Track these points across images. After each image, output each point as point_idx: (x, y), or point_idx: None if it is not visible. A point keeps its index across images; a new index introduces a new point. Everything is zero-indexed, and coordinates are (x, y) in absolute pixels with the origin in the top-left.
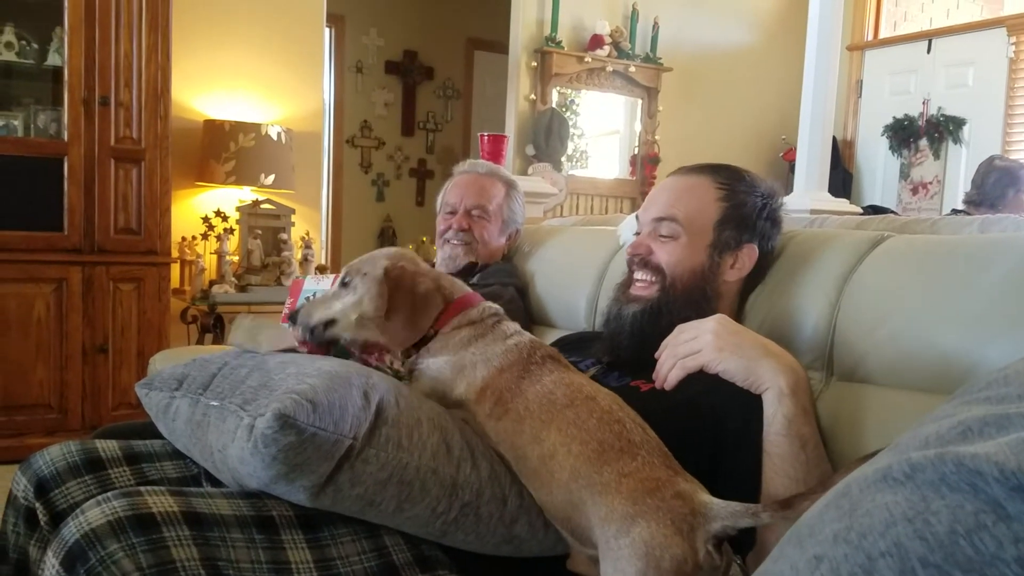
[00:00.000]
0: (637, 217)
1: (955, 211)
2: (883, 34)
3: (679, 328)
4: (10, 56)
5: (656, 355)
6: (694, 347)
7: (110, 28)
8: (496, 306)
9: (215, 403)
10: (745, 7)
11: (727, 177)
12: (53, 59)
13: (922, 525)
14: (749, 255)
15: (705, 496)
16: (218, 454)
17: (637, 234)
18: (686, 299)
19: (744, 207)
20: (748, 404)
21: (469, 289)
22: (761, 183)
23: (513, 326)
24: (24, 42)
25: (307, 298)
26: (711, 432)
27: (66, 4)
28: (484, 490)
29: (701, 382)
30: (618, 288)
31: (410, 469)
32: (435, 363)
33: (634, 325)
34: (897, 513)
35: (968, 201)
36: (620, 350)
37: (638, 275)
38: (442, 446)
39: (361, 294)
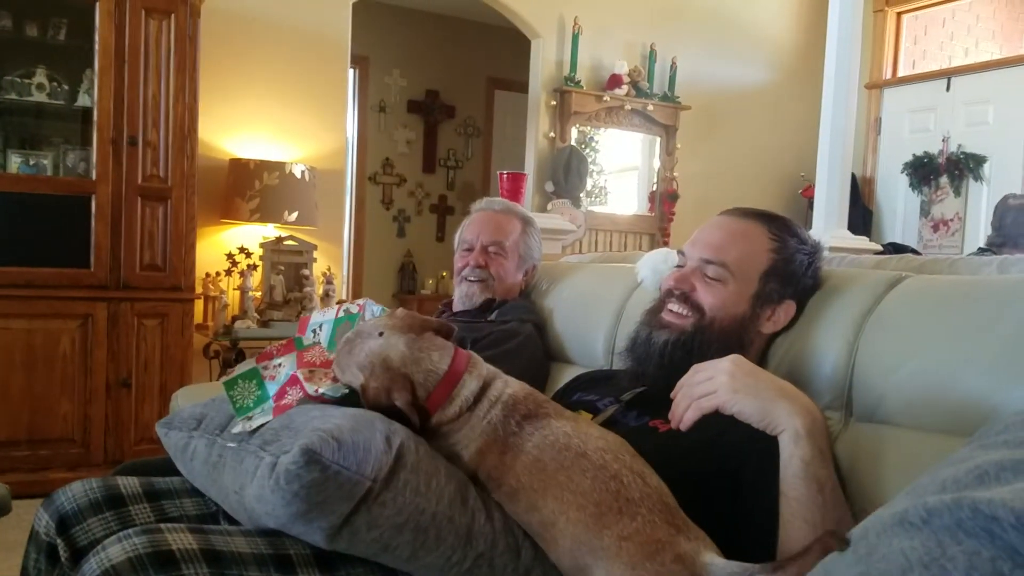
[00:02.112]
0: (681, 251)
1: (981, 250)
2: (902, 72)
3: (694, 368)
4: (41, 97)
5: (672, 395)
6: (709, 388)
7: (139, 70)
8: (476, 379)
9: (232, 444)
10: (762, 46)
11: (780, 228)
12: (83, 100)
13: (939, 571)
14: (787, 311)
15: (707, 557)
16: (234, 495)
17: (679, 267)
18: (721, 342)
19: (792, 263)
20: (765, 446)
21: (447, 363)
22: (809, 238)
23: (488, 398)
24: (55, 83)
25: (313, 331)
26: (728, 475)
27: (96, 47)
28: (498, 541)
29: (718, 423)
30: (648, 313)
31: (426, 515)
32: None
33: (664, 353)
34: (914, 558)
35: (991, 243)
36: (646, 377)
37: (673, 306)
38: (458, 495)
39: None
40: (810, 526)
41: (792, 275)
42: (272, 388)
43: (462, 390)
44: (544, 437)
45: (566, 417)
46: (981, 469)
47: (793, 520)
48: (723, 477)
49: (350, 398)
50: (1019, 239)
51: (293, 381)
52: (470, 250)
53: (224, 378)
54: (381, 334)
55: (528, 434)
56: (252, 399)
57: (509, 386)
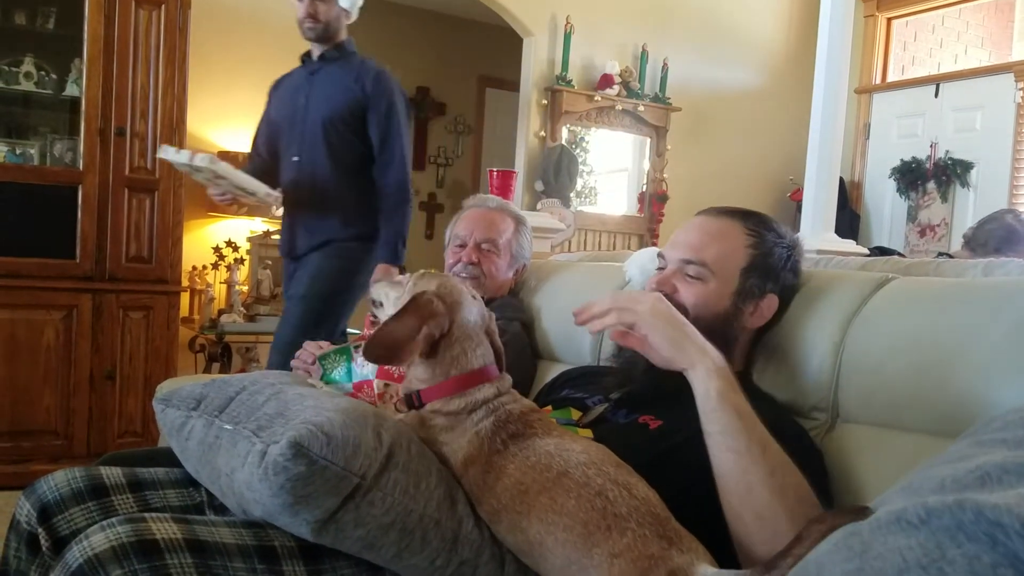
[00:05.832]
0: (661, 254)
1: (940, 254)
2: (891, 78)
3: (627, 290)
4: (29, 86)
5: (592, 305)
6: (633, 305)
7: (128, 61)
8: (493, 391)
9: (229, 426)
10: (753, 49)
11: (756, 224)
12: (71, 90)
13: (937, 574)
14: (769, 305)
15: (701, 569)
16: (225, 478)
17: (660, 269)
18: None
19: (771, 256)
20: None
21: (481, 363)
22: (787, 232)
23: (488, 406)
24: (43, 72)
25: None
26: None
27: (85, 36)
28: (484, 549)
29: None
30: None
31: (413, 517)
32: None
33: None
34: (911, 559)
35: (964, 236)
36: (633, 383)
37: None
38: (447, 499)
39: (399, 293)
40: (736, 455)
41: (772, 269)
42: (357, 375)
43: (476, 393)
44: (526, 459)
45: (552, 435)
46: (983, 470)
47: (720, 454)
48: (711, 474)
49: None
50: (980, 247)
51: (372, 389)
52: (463, 246)
53: (320, 352)
54: (475, 298)
55: (512, 455)
56: (336, 374)
57: (515, 402)
